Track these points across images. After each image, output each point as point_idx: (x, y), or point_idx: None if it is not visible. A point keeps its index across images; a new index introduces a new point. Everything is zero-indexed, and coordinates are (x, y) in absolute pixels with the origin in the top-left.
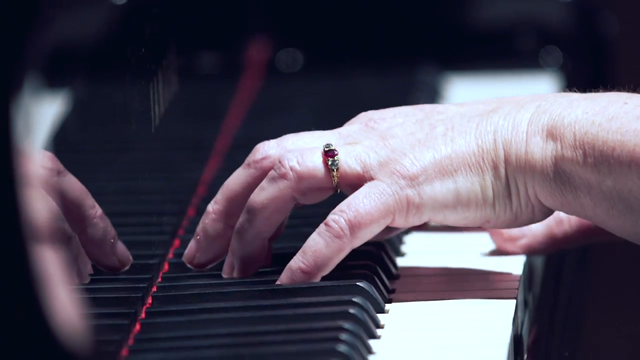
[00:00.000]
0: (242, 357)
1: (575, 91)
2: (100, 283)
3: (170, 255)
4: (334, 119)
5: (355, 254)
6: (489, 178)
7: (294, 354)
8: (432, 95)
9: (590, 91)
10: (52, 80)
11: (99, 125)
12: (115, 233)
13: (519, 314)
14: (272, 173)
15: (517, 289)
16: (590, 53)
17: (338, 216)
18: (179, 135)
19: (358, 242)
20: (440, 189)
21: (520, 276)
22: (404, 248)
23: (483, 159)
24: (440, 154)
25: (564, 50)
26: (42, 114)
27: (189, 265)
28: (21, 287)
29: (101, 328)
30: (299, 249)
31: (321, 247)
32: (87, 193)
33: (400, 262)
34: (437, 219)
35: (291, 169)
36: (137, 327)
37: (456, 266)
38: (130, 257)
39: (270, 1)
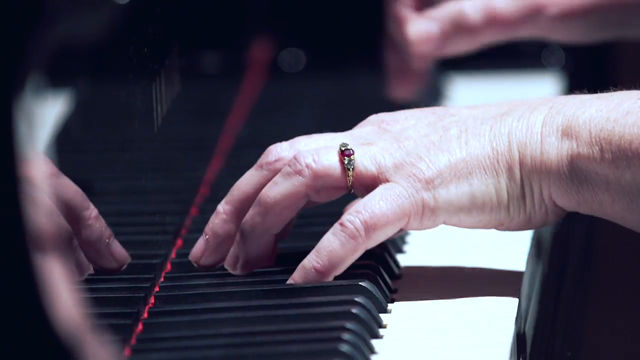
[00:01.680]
0: (245, 357)
1: (583, 92)
2: (102, 283)
3: (173, 255)
4: (336, 119)
5: None
6: (503, 180)
7: (296, 354)
8: (435, 95)
9: (595, 91)
10: (55, 80)
11: (101, 125)
12: (111, 233)
13: (522, 312)
14: (286, 169)
15: (520, 288)
16: (593, 53)
17: (354, 217)
18: (182, 134)
19: (372, 243)
20: (455, 192)
21: (523, 274)
22: (406, 247)
23: (498, 161)
24: (455, 157)
25: (567, 50)
26: (45, 114)
27: (195, 265)
28: (23, 286)
29: (104, 328)
30: (302, 249)
31: (336, 247)
32: (81, 194)
33: (403, 261)
34: (452, 222)
35: (307, 166)
36: (140, 326)
37: (459, 265)
38: (128, 257)
39: (273, 1)
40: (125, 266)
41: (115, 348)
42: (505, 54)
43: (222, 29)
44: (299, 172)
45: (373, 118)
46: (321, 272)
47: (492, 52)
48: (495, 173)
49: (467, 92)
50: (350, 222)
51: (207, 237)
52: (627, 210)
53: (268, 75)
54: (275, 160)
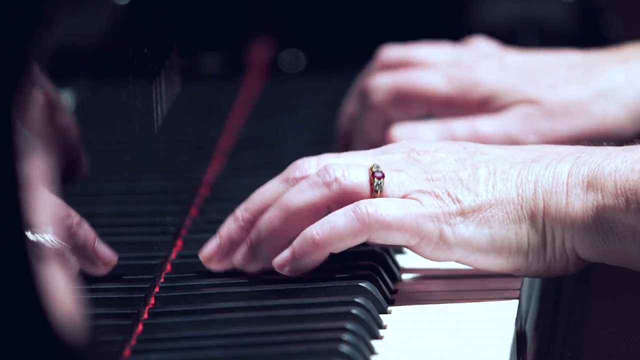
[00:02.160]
0: (245, 358)
1: (610, 144)
2: (102, 283)
3: (173, 256)
4: (336, 119)
5: (358, 254)
6: (525, 227)
7: (296, 355)
8: None
9: None
10: (55, 80)
11: (101, 126)
12: (95, 236)
13: (523, 313)
14: (314, 178)
15: (520, 288)
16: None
17: (371, 205)
18: (182, 135)
19: (375, 238)
20: (474, 232)
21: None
22: (406, 249)
23: (522, 207)
24: (481, 199)
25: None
26: None
27: (205, 264)
28: (23, 286)
29: (104, 328)
30: None
31: (341, 224)
32: (61, 204)
33: (403, 262)
34: (467, 260)
35: (336, 179)
36: (140, 327)
37: (459, 266)
38: (115, 257)
39: (273, 1)
40: (112, 267)
41: (115, 349)
42: None
43: (222, 29)
44: (327, 184)
45: (403, 145)
46: (317, 244)
47: None
48: (517, 219)
49: None
50: (365, 207)
51: (220, 240)
52: None
53: (268, 76)
54: (302, 177)
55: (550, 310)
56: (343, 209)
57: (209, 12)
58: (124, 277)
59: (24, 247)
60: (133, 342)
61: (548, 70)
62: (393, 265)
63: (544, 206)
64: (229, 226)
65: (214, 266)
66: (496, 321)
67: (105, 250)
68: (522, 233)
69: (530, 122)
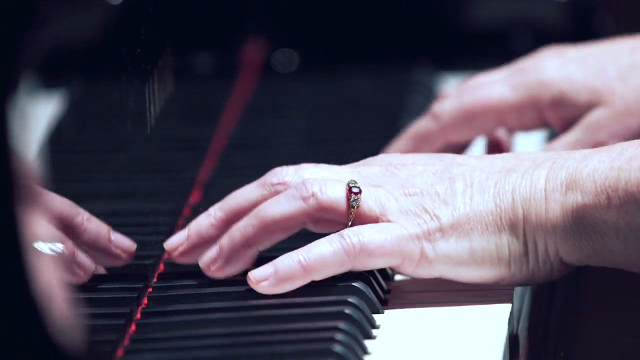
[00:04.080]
0: (238, 357)
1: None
2: (96, 283)
3: (166, 256)
4: (329, 119)
5: None
6: (505, 237)
7: (289, 354)
8: (427, 95)
9: None
10: (48, 80)
11: (94, 125)
12: (109, 228)
13: (515, 313)
14: (292, 191)
15: (513, 288)
16: None
17: (355, 234)
18: (175, 135)
19: (358, 266)
20: (455, 246)
21: None
22: None
23: (501, 217)
24: (459, 212)
25: None
26: (38, 114)
27: (167, 250)
28: (17, 287)
29: (97, 328)
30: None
31: (327, 253)
32: (69, 203)
33: None
34: (450, 275)
35: (313, 194)
36: (133, 327)
37: None
38: (133, 244)
39: (266, 2)
40: (134, 254)
41: (108, 349)
42: (498, 54)
43: (215, 29)
44: (303, 198)
45: (381, 158)
46: (302, 269)
47: (485, 52)
48: (497, 230)
49: None
50: (349, 237)
51: (189, 233)
52: None
53: (261, 76)
54: (279, 183)
55: (542, 311)
56: (328, 237)
57: (202, 12)
58: (116, 277)
59: (18, 247)
60: (126, 342)
61: (611, 58)
62: None
63: (523, 214)
64: (200, 221)
65: (176, 257)
66: (489, 322)
67: (122, 239)
68: (503, 243)
69: (603, 131)
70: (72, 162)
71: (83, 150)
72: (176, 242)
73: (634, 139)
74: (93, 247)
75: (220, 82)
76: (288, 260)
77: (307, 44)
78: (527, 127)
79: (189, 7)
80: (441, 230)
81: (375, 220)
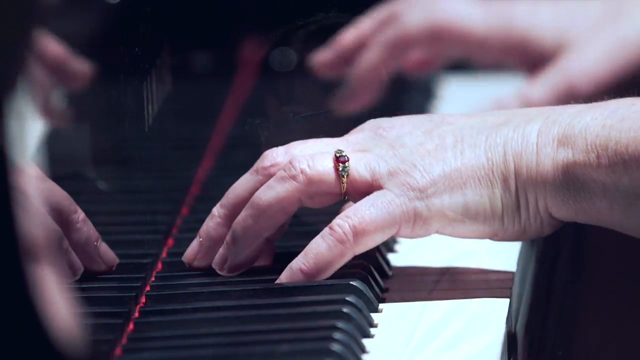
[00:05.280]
0: (236, 356)
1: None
2: (93, 282)
3: (164, 255)
4: (328, 118)
5: None
6: (498, 191)
7: (287, 353)
8: (427, 95)
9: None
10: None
11: (92, 124)
12: (98, 236)
13: (513, 312)
14: (281, 173)
15: (511, 287)
16: None
17: (343, 221)
18: (173, 134)
19: (361, 248)
20: (448, 202)
21: (514, 274)
22: (397, 247)
23: (493, 172)
24: (450, 167)
25: None
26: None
27: (188, 266)
28: (15, 287)
29: (95, 327)
30: (295, 249)
31: (323, 251)
32: (68, 198)
33: (394, 261)
34: (445, 231)
35: (302, 171)
36: (131, 326)
37: (450, 265)
38: (116, 258)
39: (264, 1)
40: (113, 267)
41: (106, 348)
42: None
43: (213, 28)
44: (293, 177)
45: (370, 123)
46: (307, 274)
47: None
48: (489, 184)
49: (459, 92)
50: (339, 226)
51: (200, 239)
52: (625, 215)
53: (259, 75)
54: (271, 165)
55: (541, 309)
56: (320, 233)
57: (199, 11)
58: (115, 275)
59: (16, 247)
60: (124, 340)
61: (581, 8)
62: (384, 264)
63: (514, 168)
64: (207, 224)
65: (197, 264)
66: (487, 320)
67: (107, 251)
68: (496, 197)
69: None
70: (69, 161)
71: (81, 149)
72: (192, 252)
73: (610, 82)
74: (79, 249)
75: (219, 81)
76: (290, 273)
77: (305, 43)
78: (488, 63)
79: (187, 6)
80: (434, 185)
81: (367, 186)
